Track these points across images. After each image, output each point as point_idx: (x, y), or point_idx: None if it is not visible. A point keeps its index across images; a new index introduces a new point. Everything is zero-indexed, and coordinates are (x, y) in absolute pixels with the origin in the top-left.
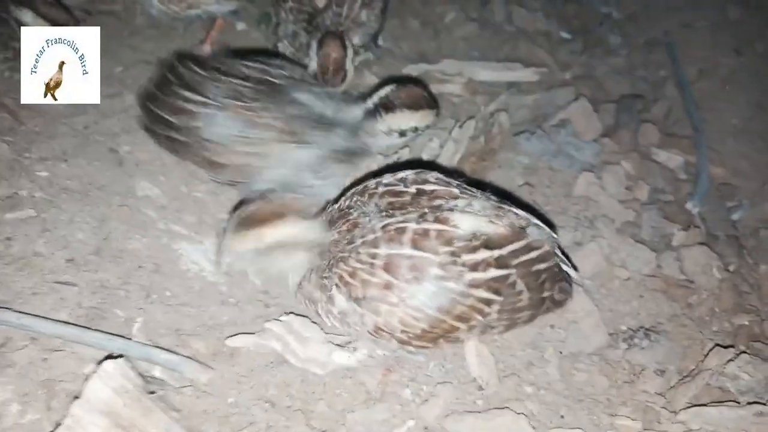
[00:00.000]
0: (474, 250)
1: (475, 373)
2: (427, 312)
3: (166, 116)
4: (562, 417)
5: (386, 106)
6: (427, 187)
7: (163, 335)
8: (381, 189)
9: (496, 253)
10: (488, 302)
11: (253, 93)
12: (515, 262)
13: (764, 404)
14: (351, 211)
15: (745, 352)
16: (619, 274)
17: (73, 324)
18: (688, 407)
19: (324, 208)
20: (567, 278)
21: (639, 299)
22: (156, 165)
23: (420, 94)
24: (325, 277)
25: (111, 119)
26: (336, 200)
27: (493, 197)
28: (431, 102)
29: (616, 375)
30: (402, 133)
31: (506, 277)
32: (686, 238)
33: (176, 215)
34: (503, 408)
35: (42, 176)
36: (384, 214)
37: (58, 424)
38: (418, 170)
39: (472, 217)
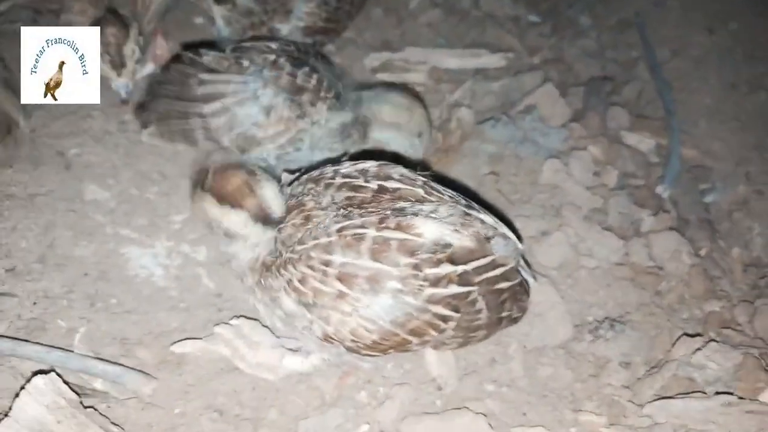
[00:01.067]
0: (437, 263)
1: (435, 373)
2: (380, 324)
3: (189, 106)
4: (524, 414)
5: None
6: (390, 185)
7: (106, 345)
8: (339, 180)
9: (460, 269)
10: (445, 319)
11: (290, 63)
12: (478, 279)
13: (732, 394)
14: (305, 200)
15: (714, 340)
16: (586, 264)
17: (9, 337)
18: (654, 400)
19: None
20: (527, 292)
21: (606, 288)
22: (105, 167)
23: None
24: (272, 277)
25: (59, 121)
26: (290, 183)
27: (461, 199)
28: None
29: (581, 368)
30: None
31: (467, 294)
32: (656, 223)
33: (126, 219)
34: (462, 408)
35: None
36: (341, 212)
37: None
38: (381, 162)
39: (437, 225)
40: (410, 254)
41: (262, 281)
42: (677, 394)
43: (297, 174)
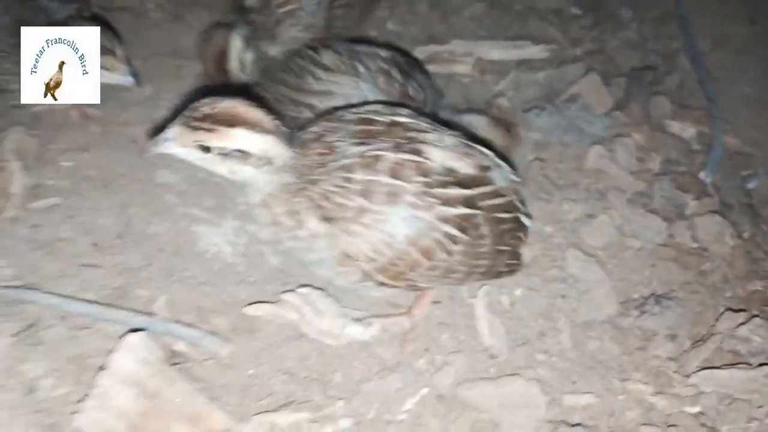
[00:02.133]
0: (446, 185)
1: (488, 342)
2: (396, 239)
3: (303, 97)
4: (574, 383)
5: None
6: (400, 119)
7: (184, 312)
8: (353, 116)
9: (467, 192)
10: (453, 239)
11: (402, 75)
12: (482, 204)
13: None
14: (325, 135)
15: (756, 315)
16: (631, 244)
17: (99, 303)
18: (700, 370)
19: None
20: (525, 233)
21: (651, 268)
22: None
23: None
24: (295, 201)
25: (129, 111)
26: (302, 128)
27: (462, 135)
28: None
29: (627, 342)
30: None
31: (473, 216)
32: (699, 207)
33: (195, 200)
34: (515, 375)
35: (66, 166)
36: (358, 141)
37: (87, 396)
38: (387, 103)
39: (443, 152)
40: (423, 174)
41: (288, 206)
42: (722, 365)
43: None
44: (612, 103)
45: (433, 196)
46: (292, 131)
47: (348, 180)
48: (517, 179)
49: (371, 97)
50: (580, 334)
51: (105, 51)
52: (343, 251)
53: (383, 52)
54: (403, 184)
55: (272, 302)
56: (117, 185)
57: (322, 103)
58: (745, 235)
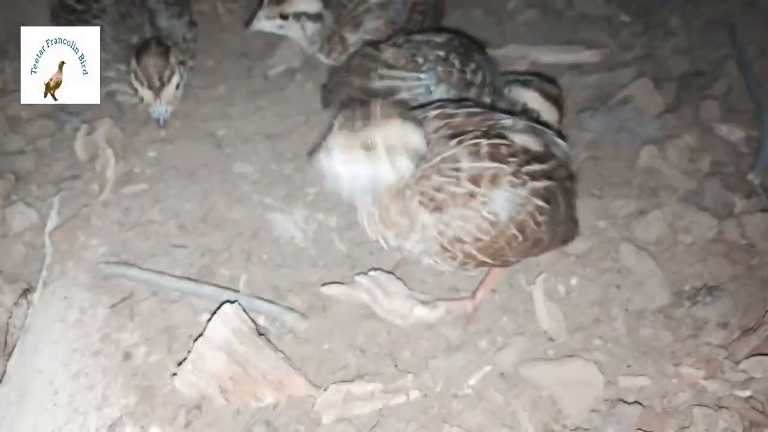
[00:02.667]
0: (530, 162)
1: (546, 326)
2: (500, 216)
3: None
4: (629, 366)
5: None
6: (475, 110)
7: (263, 291)
8: (431, 113)
9: (545, 166)
10: (541, 211)
11: (459, 60)
12: (557, 175)
13: None
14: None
15: None
16: (683, 240)
17: (188, 279)
18: (750, 357)
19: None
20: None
21: (702, 262)
22: (248, 146)
23: None
24: (406, 197)
25: (206, 106)
26: None
27: (524, 117)
28: None
29: (680, 330)
30: None
31: (553, 188)
32: (747, 206)
33: (268, 189)
34: (573, 356)
35: (151, 156)
36: (449, 132)
37: (179, 363)
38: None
39: (518, 134)
40: (513, 156)
41: (400, 204)
42: None
43: None
44: (663, 105)
45: (525, 173)
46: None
47: (457, 169)
48: (567, 148)
49: (433, 87)
50: (633, 322)
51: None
52: (453, 236)
53: (439, 38)
54: (503, 165)
55: (344, 284)
56: (199, 174)
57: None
58: None
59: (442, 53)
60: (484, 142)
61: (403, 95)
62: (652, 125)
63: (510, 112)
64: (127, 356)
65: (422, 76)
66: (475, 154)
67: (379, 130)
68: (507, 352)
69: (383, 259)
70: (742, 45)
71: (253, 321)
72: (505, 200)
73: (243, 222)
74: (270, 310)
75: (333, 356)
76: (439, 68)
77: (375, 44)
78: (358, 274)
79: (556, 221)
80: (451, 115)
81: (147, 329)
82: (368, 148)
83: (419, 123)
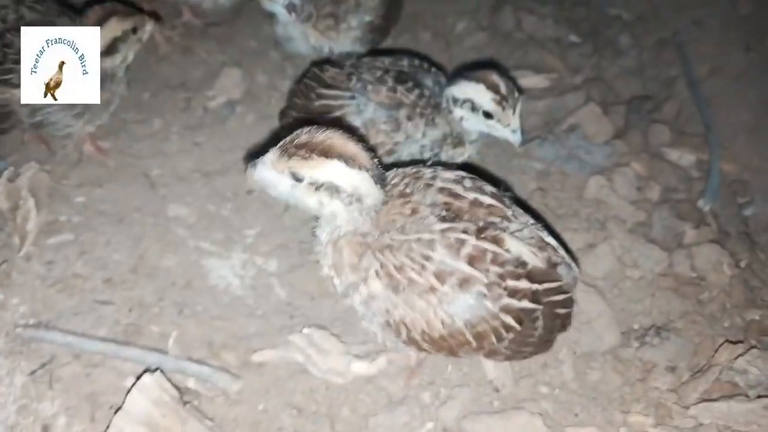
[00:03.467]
0: (518, 277)
1: (491, 376)
2: (455, 321)
3: (311, 117)
4: (576, 415)
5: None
6: (485, 200)
7: (196, 348)
8: (438, 183)
9: (535, 287)
10: (508, 329)
11: (393, 78)
12: (545, 300)
13: None
14: (409, 193)
15: (755, 347)
16: (631, 274)
17: (112, 340)
18: (699, 402)
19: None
20: (570, 322)
21: (651, 297)
22: (184, 186)
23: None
24: (366, 258)
25: (141, 143)
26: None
27: (537, 224)
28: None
29: (628, 373)
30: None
31: (534, 311)
32: (697, 236)
33: (205, 233)
34: (519, 408)
35: (79, 202)
36: (442, 214)
37: None
38: (473, 176)
39: (520, 244)
40: (499, 265)
41: (356, 260)
42: (720, 397)
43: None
44: (611, 131)
45: (503, 287)
46: (384, 172)
47: (427, 258)
48: (578, 274)
49: (363, 106)
50: (582, 365)
51: None
52: (399, 319)
53: (387, 59)
54: (479, 274)
55: (277, 347)
56: (130, 220)
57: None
58: (743, 263)
59: (379, 73)
60: (471, 241)
61: (336, 113)
62: (600, 153)
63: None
64: (46, 429)
65: (354, 94)
66: (455, 251)
67: (310, 164)
68: (450, 405)
69: (324, 306)
70: (691, 64)
71: (177, 388)
72: (467, 307)
73: (176, 270)
74: (200, 372)
75: (268, 418)
76: (369, 87)
77: (321, 65)
78: (296, 327)
79: (525, 342)
80: (456, 196)
81: (68, 397)
82: (296, 178)
83: (371, 167)
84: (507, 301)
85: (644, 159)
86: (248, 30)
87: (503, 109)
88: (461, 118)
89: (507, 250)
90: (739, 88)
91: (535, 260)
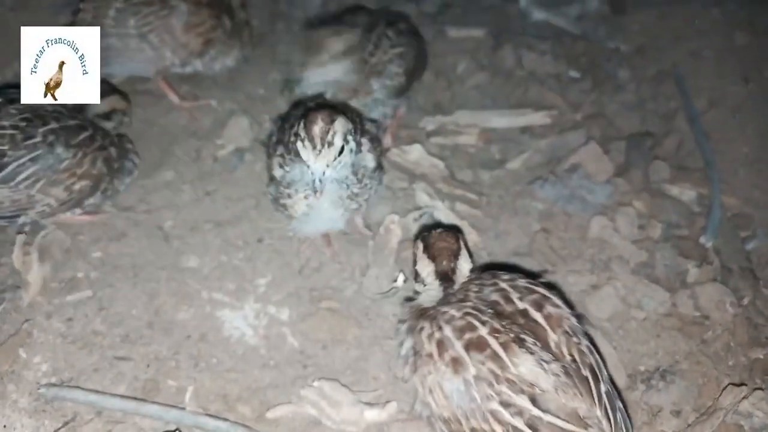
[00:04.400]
0: (518, 391)
1: None
2: (451, 402)
3: None
4: None
5: None
6: (535, 316)
7: (212, 401)
8: (501, 284)
9: (536, 412)
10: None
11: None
12: (539, 425)
13: None
14: (475, 288)
15: (759, 388)
16: (636, 315)
17: (132, 397)
18: None
19: None
20: None
21: (656, 339)
22: (197, 236)
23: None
24: (417, 321)
25: (154, 195)
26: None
27: (601, 378)
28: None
29: (635, 416)
30: None
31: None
32: (700, 274)
33: (218, 284)
34: None
35: (96, 257)
36: (488, 314)
37: None
38: (545, 293)
39: (536, 367)
40: (498, 367)
41: (412, 323)
42: None
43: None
44: (612, 169)
45: (496, 390)
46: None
47: (439, 327)
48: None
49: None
50: None
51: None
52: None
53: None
54: (468, 360)
55: (291, 400)
56: (145, 273)
57: None
58: (746, 301)
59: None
60: (482, 330)
61: None
62: (602, 192)
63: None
64: None
65: None
66: (459, 329)
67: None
68: None
69: (336, 354)
70: (689, 97)
71: None
72: (458, 392)
73: (191, 323)
74: (218, 428)
75: None
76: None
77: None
78: (309, 377)
79: None
80: (508, 301)
81: None
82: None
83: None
84: (497, 407)
85: (645, 197)
86: (255, 77)
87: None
88: None
89: (513, 363)
90: (738, 121)
91: (553, 390)
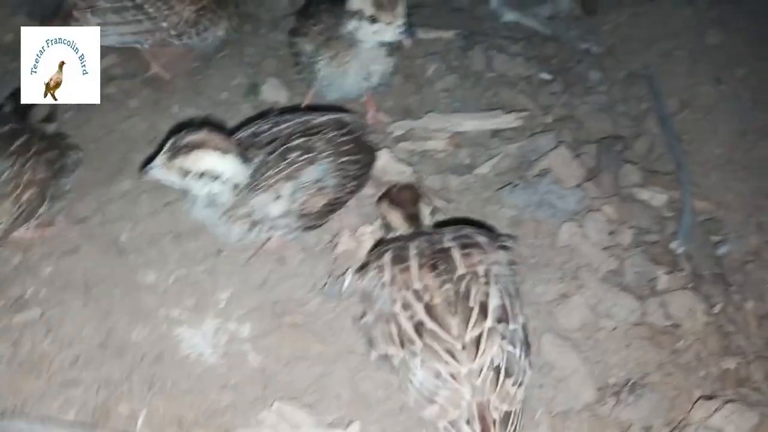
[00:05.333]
0: (417, 299)
1: None
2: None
3: None
4: None
5: None
6: (454, 254)
7: (166, 426)
8: (445, 233)
9: (424, 317)
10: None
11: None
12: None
13: None
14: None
15: (731, 400)
16: (605, 325)
17: (81, 423)
18: None
19: None
20: None
21: (626, 349)
22: (154, 250)
23: None
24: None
25: (110, 206)
26: None
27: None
28: None
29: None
30: None
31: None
32: (670, 281)
33: (176, 299)
34: None
35: (46, 273)
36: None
37: None
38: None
39: (433, 285)
40: (409, 278)
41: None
42: None
43: None
44: (583, 174)
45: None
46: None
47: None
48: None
49: None
50: (558, 425)
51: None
52: None
53: None
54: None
55: (249, 424)
56: (98, 290)
57: None
58: (717, 308)
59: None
60: (411, 256)
61: None
62: (572, 197)
63: None
64: None
65: None
66: (394, 254)
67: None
68: None
69: (297, 371)
70: (661, 98)
71: None
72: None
73: (146, 343)
74: None
75: None
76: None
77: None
78: (269, 398)
79: None
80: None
81: None
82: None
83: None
84: (398, 309)
85: (615, 202)
86: (218, 81)
87: (384, 10)
88: (355, 29)
89: (420, 277)
90: (709, 122)
91: (441, 305)
